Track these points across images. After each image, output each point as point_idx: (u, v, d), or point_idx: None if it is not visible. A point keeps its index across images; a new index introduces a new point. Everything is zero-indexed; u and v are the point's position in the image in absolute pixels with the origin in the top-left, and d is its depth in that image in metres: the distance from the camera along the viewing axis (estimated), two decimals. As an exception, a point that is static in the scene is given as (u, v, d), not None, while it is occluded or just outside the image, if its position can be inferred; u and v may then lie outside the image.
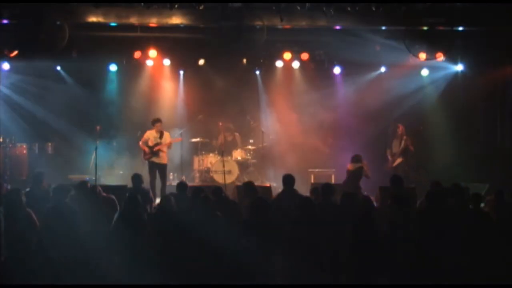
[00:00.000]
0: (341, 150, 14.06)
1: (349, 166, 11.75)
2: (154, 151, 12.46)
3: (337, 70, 14.25)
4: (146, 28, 12.11)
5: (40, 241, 7.54)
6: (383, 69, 14.28)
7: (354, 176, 11.62)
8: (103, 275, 7.94)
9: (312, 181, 13.13)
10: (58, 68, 14.04)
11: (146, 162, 12.58)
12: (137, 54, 13.47)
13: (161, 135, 12.53)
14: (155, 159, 12.48)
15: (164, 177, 12.45)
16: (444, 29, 11.66)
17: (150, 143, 12.51)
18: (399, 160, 13.12)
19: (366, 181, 11.81)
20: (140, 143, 12.67)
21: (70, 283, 7.51)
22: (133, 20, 11.44)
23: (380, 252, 7.31)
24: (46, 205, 7.89)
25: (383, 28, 12.06)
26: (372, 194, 10.71)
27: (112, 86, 14.49)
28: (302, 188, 10.14)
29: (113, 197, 8.86)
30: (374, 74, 14.31)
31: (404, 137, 13.23)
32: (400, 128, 13.27)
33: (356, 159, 11.75)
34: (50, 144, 13.70)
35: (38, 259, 7.47)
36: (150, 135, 12.57)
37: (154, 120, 12.70)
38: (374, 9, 10.82)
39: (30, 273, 7.36)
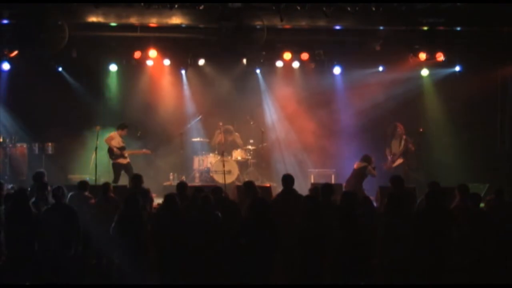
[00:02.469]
0: (341, 150, 14.09)
1: (355, 164, 11.87)
2: (122, 154, 12.77)
3: (337, 70, 14.23)
4: (146, 28, 12.10)
5: (40, 241, 7.55)
6: (382, 69, 14.26)
7: (357, 174, 11.71)
8: (104, 275, 7.98)
9: (312, 181, 13.13)
10: (60, 69, 14.04)
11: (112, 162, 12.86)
12: (137, 54, 13.45)
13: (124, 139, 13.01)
14: (121, 161, 12.79)
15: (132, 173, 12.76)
16: (444, 29, 11.67)
17: (116, 144, 12.72)
18: (399, 161, 13.11)
19: (366, 181, 11.83)
20: (113, 142, 12.77)
21: (71, 283, 7.53)
22: (133, 20, 11.44)
23: (377, 252, 7.33)
24: (46, 206, 7.91)
25: (383, 28, 12.06)
26: (372, 194, 10.72)
27: (112, 86, 14.50)
28: (302, 188, 10.14)
29: (116, 197, 8.86)
30: (374, 74, 14.29)
31: (404, 136, 13.22)
32: (400, 128, 13.26)
33: (363, 158, 11.85)
34: (50, 144, 13.69)
35: (39, 259, 7.49)
36: (116, 137, 12.85)
37: (123, 124, 12.97)
38: (374, 9, 10.82)
39: (31, 273, 7.37)
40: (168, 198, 7.83)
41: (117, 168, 12.79)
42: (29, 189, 8.90)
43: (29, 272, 7.39)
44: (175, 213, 7.65)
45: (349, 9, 10.81)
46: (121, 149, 12.80)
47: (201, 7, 10.97)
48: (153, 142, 14.00)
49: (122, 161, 12.80)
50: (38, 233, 7.48)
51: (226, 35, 10.97)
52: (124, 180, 12.38)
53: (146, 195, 9.19)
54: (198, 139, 14.22)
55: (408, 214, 7.70)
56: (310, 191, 9.57)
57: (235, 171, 13.48)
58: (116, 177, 12.69)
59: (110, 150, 12.76)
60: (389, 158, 13.21)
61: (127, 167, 12.77)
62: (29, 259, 7.43)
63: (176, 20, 11.36)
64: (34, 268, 7.45)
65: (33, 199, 8.13)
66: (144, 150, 13.48)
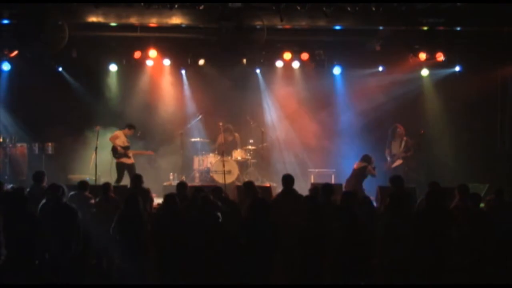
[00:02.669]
0: (341, 150, 14.09)
1: (355, 164, 11.90)
2: (126, 153, 12.77)
3: (337, 70, 14.23)
4: (146, 28, 12.11)
5: (40, 241, 7.54)
6: (382, 69, 14.25)
7: (357, 174, 11.75)
8: (104, 275, 7.97)
9: (312, 181, 13.13)
10: (60, 69, 14.04)
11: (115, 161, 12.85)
12: (137, 54, 13.46)
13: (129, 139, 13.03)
14: (125, 160, 12.77)
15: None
16: (444, 29, 11.66)
17: (120, 143, 12.71)
18: (399, 162, 13.11)
19: (366, 181, 11.83)
20: (117, 141, 12.77)
21: (71, 283, 7.53)
22: (133, 20, 11.43)
23: (377, 252, 7.32)
24: (44, 204, 7.90)
25: (383, 28, 12.05)
26: (372, 194, 10.72)
27: (112, 86, 14.50)
28: (302, 188, 10.14)
29: (116, 197, 8.87)
30: (374, 74, 14.28)
31: (405, 138, 13.22)
32: (400, 129, 13.25)
33: (363, 158, 11.88)
34: (50, 144, 13.69)
35: (38, 258, 7.48)
36: (121, 137, 12.85)
37: (130, 125, 12.98)
38: (374, 9, 10.81)
39: (31, 273, 7.36)
40: (168, 198, 7.83)
41: (120, 168, 12.76)
42: (28, 189, 8.89)
43: (29, 272, 7.38)
44: (175, 213, 7.65)
45: (349, 9, 10.80)
46: (125, 148, 12.79)
47: (201, 7, 10.97)
48: (153, 142, 14.02)
49: (125, 160, 12.78)
50: (38, 233, 7.47)
51: (226, 35, 10.96)
52: (125, 180, 12.38)
53: (146, 195, 9.20)
54: (198, 139, 14.21)
55: (408, 214, 7.69)
56: (310, 191, 9.57)
57: (235, 171, 13.47)
58: (119, 177, 12.65)
59: (114, 149, 12.74)
60: (389, 159, 13.21)
61: (130, 167, 12.74)
62: (29, 259, 7.42)
63: (176, 20, 11.36)
64: (34, 268, 7.44)
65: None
66: (148, 151, 13.55)
